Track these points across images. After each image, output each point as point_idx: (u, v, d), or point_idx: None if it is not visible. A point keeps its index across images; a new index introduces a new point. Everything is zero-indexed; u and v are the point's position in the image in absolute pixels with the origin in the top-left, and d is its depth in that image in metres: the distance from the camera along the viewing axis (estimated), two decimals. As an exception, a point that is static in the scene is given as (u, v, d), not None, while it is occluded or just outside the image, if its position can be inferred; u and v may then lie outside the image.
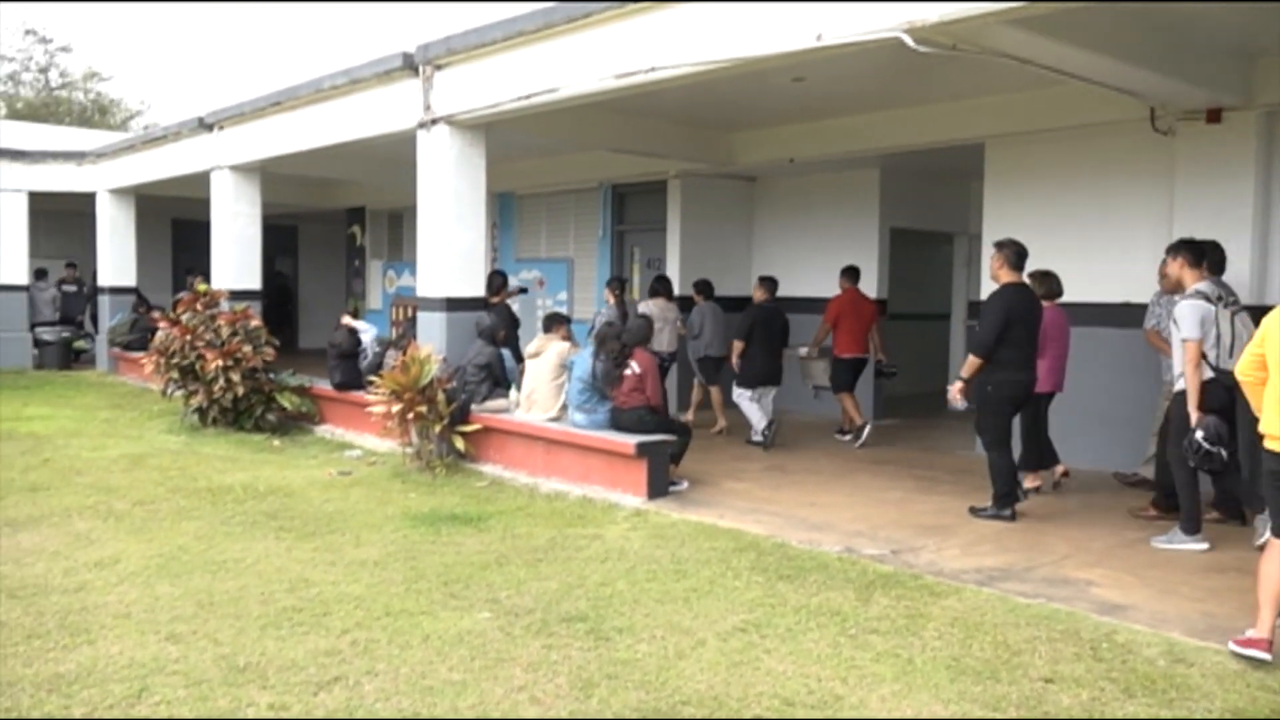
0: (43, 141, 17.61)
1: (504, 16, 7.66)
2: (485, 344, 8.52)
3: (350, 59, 9.65)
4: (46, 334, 16.27)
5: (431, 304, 8.82)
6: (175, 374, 10.24)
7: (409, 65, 8.67)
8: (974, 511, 6.80)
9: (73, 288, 17.20)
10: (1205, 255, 6.23)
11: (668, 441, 7.35)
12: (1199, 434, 5.67)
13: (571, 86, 7.20)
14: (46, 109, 35.86)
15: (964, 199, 12.28)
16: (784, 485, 7.78)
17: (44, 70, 37.52)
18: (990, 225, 9.19)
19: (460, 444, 8.14)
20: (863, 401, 10.99)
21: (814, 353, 10.10)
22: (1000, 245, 6.83)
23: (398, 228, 17.51)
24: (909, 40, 5.19)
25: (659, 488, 7.16)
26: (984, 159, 9.34)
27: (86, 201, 16.33)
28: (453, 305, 8.70)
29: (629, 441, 7.17)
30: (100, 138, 19.64)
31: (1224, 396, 5.72)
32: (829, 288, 10.94)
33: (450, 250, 8.65)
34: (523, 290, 12.50)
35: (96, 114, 37.26)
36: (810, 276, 11.31)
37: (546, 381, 8.12)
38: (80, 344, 16.96)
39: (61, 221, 18.25)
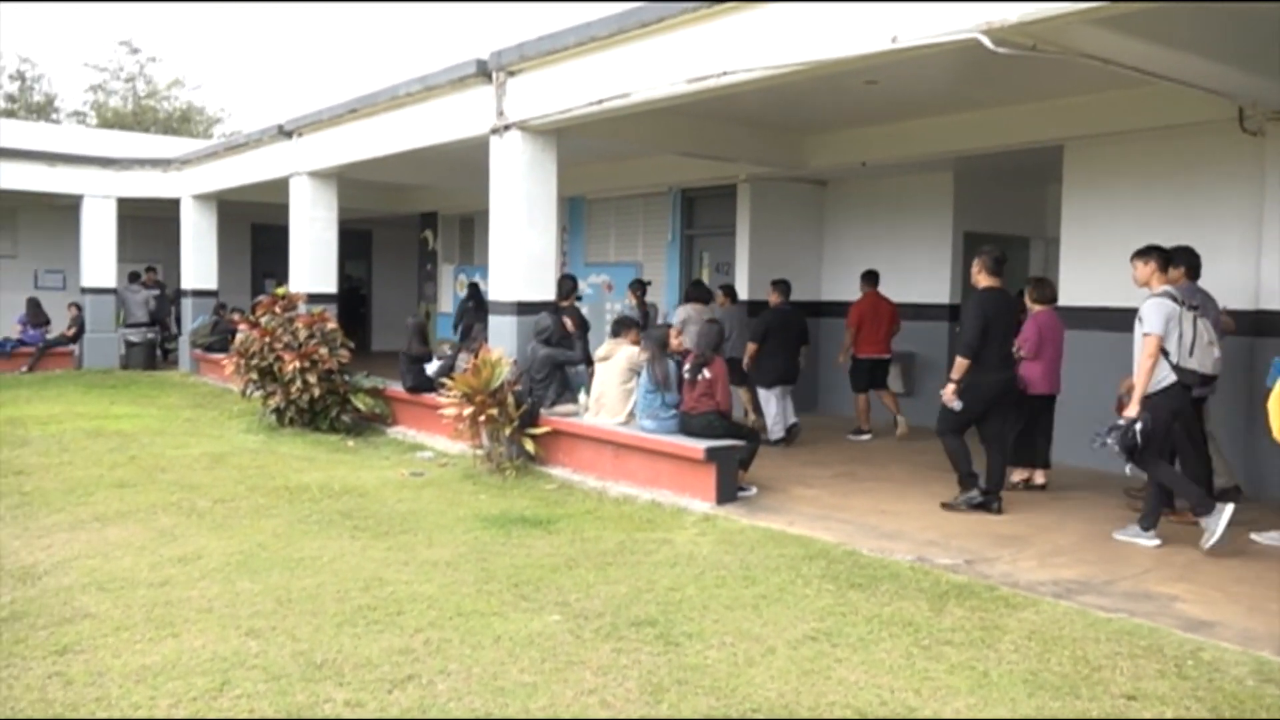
0: (130, 149, 18.24)
1: (577, 22, 7.71)
2: (539, 344, 8.54)
3: (424, 66, 9.82)
4: (133, 335, 16.81)
5: (502, 308, 8.91)
6: (254, 375, 10.50)
7: (482, 72, 8.78)
8: (945, 506, 7.10)
9: (155, 290, 17.73)
10: (1172, 261, 6.54)
11: (737, 447, 7.32)
12: (1139, 425, 5.96)
13: (643, 91, 7.22)
14: (134, 117, 37.11)
15: (1040, 202, 12.02)
16: (854, 492, 7.69)
17: (130, 80, 38.85)
18: (1069, 229, 9.00)
19: (530, 447, 8.21)
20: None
21: (846, 360, 10.47)
22: (980, 252, 7.22)
23: (469, 232, 17.75)
24: (987, 41, 5.10)
25: (728, 493, 7.14)
26: (1062, 161, 9.14)
27: (170, 207, 16.86)
28: (523, 309, 8.77)
29: (698, 446, 7.16)
30: (184, 145, 20.29)
31: (1185, 396, 6.14)
32: (901, 292, 10.84)
33: (521, 254, 8.73)
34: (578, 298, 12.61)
35: (179, 122, 38.41)
36: (882, 281, 11.16)
37: (615, 385, 8.15)
38: (173, 345, 17.55)
39: (146, 226, 18.84)
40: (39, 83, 38.03)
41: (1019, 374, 7.53)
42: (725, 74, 6.54)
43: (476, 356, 8.64)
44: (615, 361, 8.21)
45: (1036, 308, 7.83)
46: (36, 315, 16.57)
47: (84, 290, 16.78)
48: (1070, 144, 8.91)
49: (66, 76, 53.30)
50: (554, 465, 8.38)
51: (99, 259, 16.61)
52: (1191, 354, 6.03)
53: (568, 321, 8.69)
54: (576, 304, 10.16)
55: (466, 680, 3.93)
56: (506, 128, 8.64)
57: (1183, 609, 4.95)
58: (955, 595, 5.07)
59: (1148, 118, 7.93)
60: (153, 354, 16.91)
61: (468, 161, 11.10)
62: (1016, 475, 7.78)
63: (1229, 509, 5.89)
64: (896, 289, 10.80)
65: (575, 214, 14.63)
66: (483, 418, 8.19)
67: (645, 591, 5.07)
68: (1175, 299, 6.11)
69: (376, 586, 5.10)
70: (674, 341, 8.00)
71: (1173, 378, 6.02)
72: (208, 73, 55.15)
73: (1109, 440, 6.06)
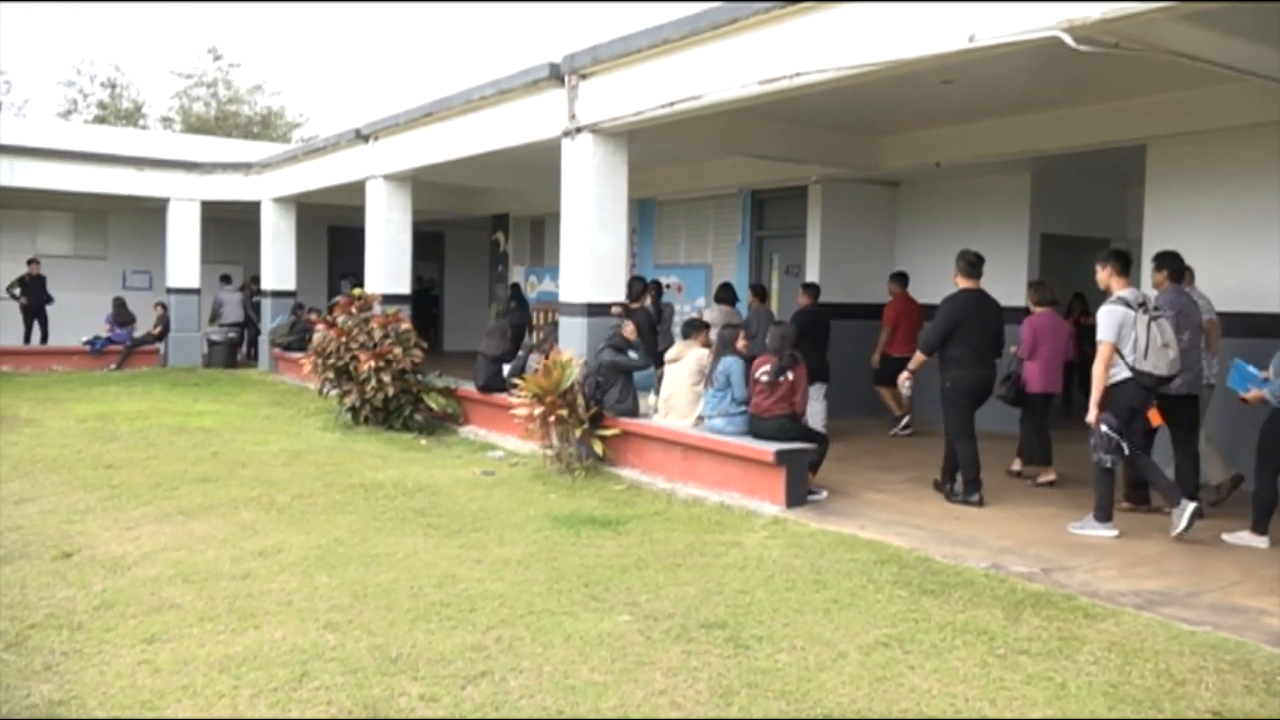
0: (213, 153, 18.78)
1: (649, 24, 7.74)
2: (609, 349, 8.58)
3: (495, 70, 9.94)
4: (215, 334, 17.31)
5: (573, 309, 8.98)
6: (331, 374, 10.73)
7: (555, 75, 8.85)
8: (949, 496, 7.45)
9: (257, 299, 18.21)
10: (1130, 265, 6.77)
11: (807, 450, 7.28)
12: (1104, 426, 6.36)
13: (715, 93, 7.22)
14: (216, 122, 38.15)
15: (1121, 203, 11.72)
16: (927, 497, 7.58)
17: (213, 85, 39.94)
18: (1151, 230, 8.76)
19: (599, 447, 8.25)
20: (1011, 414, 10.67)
21: (878, 359, 10.73)
22: (959, 256, 7.64)
23: (540, 234, 17.90)
24: (1069, 39, 4.99)
25: (797, 496, 7.09)
26: (1145, 161, 8.90)
27: (250, 209, 17.31)
28: (593, 310, 8.83)
29: (768, 449, 7.13)
30: (264, 149, 20.81)
31: (1141, 395, 6.41)
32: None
33: (591, 256, 8.79)
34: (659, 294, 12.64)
35: (259, 126, 39.38)
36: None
37: (685, 387, 8.15)
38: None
39: (227, 228, 19.36)
40: (128, 90, 39.34)
41: (1019, 373, 8.13)
42: (798, 75, 6.51)
43: (547, 358, 8.72)
44: (685, 363, 8.21)
45: (1036, 310, 8.25)
46: (122, 314, 17.16)
47: (169, 290, 17.33)
48: (1153, 143, 8.67)
49: (154, 83, 55.17)
50: (623, 466, 8.42)
51: (184, 260, 17.16)
52: (1146, 356, 6.34)
53: (627, 327, 8.69)
54: (646, 306, 10.21)
55: (538, 678, 3.97)
56: (578, 130, 8.71)
57: (1272, 623, 4.78)
58: (1032, 604, 4.97)
59: (1235, 116, 7.67)
60: (234, 353, 17.39)
61: (539, 164, 11.23)
62: (1042, 477, 8.14)
63: (1191, 505, 6.24)
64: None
65: (645, 216, 14.67)
66: (553, 418, 8.26)
67: (715, 594, 5.07)
68: (1129, 304, 6.40)
69: (449, 583, 5.18)
70: (740, 343, 7.98)
71: (1126, 374, 6.36)
72: (287, 78, 56.51)
73: (1101, 455, 6.42)
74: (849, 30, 6.16)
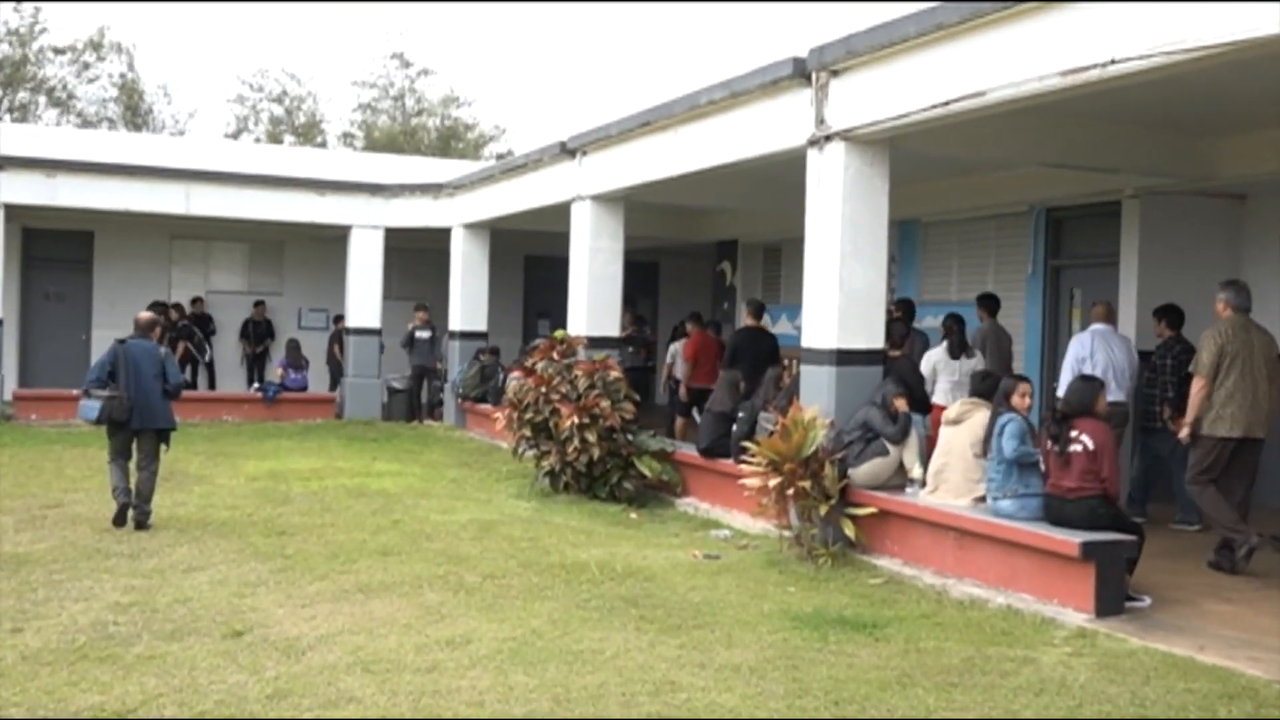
0: (398, 173, 19.95)
1: (917, 9, 7.69)
2: (874, 408, 8.51)
3: (718, 73, 10.12)
4: (396, 382, 18.23)
5: (817, 356, 8.94)
6: (528, 431, 11.11)
7: (800, 73, 8.92)
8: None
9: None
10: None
11: (1125, 542, 6.92)
12: None
13: (1003, 89, 7.07)
14: (404, 137, 40.74)
15: None
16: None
17: (400, 97, 42.74)
18: None
19: (850, 529, 8.14)
20: None
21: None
22: (748, 302, 13.33)
23: (774, 264, 17.98)
24: None
25: (1112, 602, 6.75)
26: None
27: (437, 238, 18.23)
28: (844, 358, 8.75)
29: (1071, 538, 6.84)
30: (454, 168, 21.95)
31: None
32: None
33: (841, 291, 8.72)
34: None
35: (445, 140, 41.71)
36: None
37: (964, 457, 7.92)
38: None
39: (410, 261, 20.41)
40: (304, 103, 42.66)
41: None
42: (1113, 63, 6.28)
43: (785, 415, 8.69)
44: (969, 427, 7.98)
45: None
46: (296, 357, 18.49)
47: (348, 331, 18.46)
48: None
49: (333, 95, 59.57)
50: (879, 554, 8.28)
51: (365, 297, 18.23)
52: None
53: (899, 403, 8.54)
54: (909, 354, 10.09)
55: (779, 818, 3.92)
56: (827, 138, 8.73)
57: None
58: None
59: None
60: (413, 404, 18.22)
61: (777, 179, 11.32)
62: None
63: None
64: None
65: (907, 241, 14.47)
66: (791, 491, 8.23)
67: (1003, 724, 4.88)
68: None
69: (668, 691, 5.23)
70: (1018, 399, 7.71)
71: None
72: (479, 88, 59.81)
73: None
74: (1182, 3, 5.89)
